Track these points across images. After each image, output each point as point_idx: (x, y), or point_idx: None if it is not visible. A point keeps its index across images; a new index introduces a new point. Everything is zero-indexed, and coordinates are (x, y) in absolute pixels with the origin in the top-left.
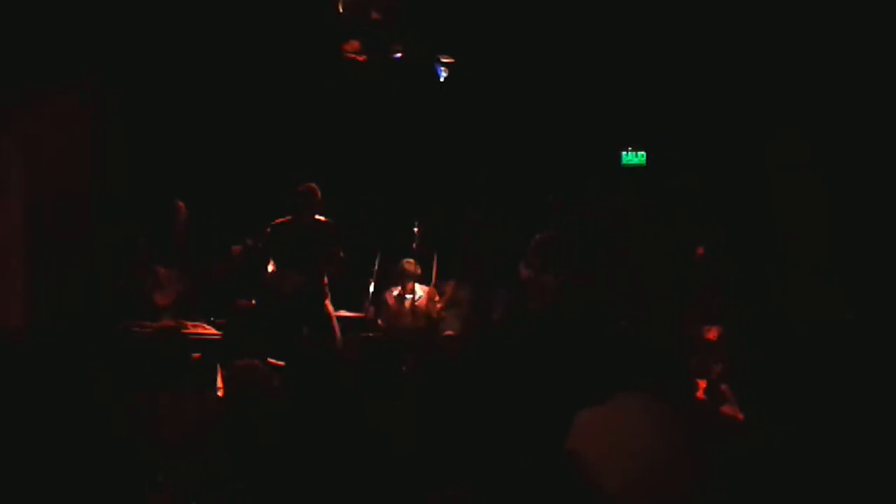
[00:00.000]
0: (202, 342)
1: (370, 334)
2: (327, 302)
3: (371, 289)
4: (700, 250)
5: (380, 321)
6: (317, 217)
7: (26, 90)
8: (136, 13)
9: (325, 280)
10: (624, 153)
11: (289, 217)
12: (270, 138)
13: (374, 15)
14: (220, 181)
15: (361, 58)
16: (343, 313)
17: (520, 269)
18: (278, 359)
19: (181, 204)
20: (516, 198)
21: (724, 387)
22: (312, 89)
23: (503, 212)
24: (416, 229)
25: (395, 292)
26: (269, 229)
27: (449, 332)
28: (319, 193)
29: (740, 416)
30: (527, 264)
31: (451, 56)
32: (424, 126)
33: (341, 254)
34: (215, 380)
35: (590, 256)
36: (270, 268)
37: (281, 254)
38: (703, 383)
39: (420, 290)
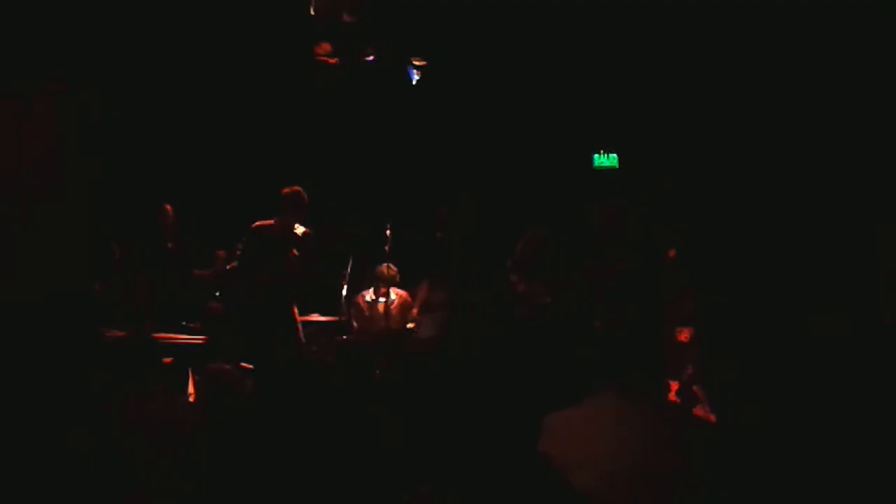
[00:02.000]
0: (173, 347)
1: (344, 338)
2: (294, 308)
3: (343, 292)
4: (672, 252)
5: (354, 324)
6: (297, 225)
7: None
8: (115, 17)
9: (293, 286)
10: (596, 155)
11: (271, 221)
12: (249, 141)
13: (347, 18)
14: (200, 184)
15: (333, 60)
16: (316, 317)
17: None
18: (249, 362)
19: (168, 207)
20: (494, 199)
21: (696, 388)
22: (290, 92)
23: (481, 214)
24: (387, 232)
25: (367, 296)
26: (248, 232)
27: (420, 336)
28: (305, 196)
29: (712, 417)
30: (516, 269)
31: (423, 59)
32: (398, 128)
33: (313, 263)
34: (187, 384)
35: (575, 261)
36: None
37: (256, 257)
38: (675, 385)
39: (394, 293)
